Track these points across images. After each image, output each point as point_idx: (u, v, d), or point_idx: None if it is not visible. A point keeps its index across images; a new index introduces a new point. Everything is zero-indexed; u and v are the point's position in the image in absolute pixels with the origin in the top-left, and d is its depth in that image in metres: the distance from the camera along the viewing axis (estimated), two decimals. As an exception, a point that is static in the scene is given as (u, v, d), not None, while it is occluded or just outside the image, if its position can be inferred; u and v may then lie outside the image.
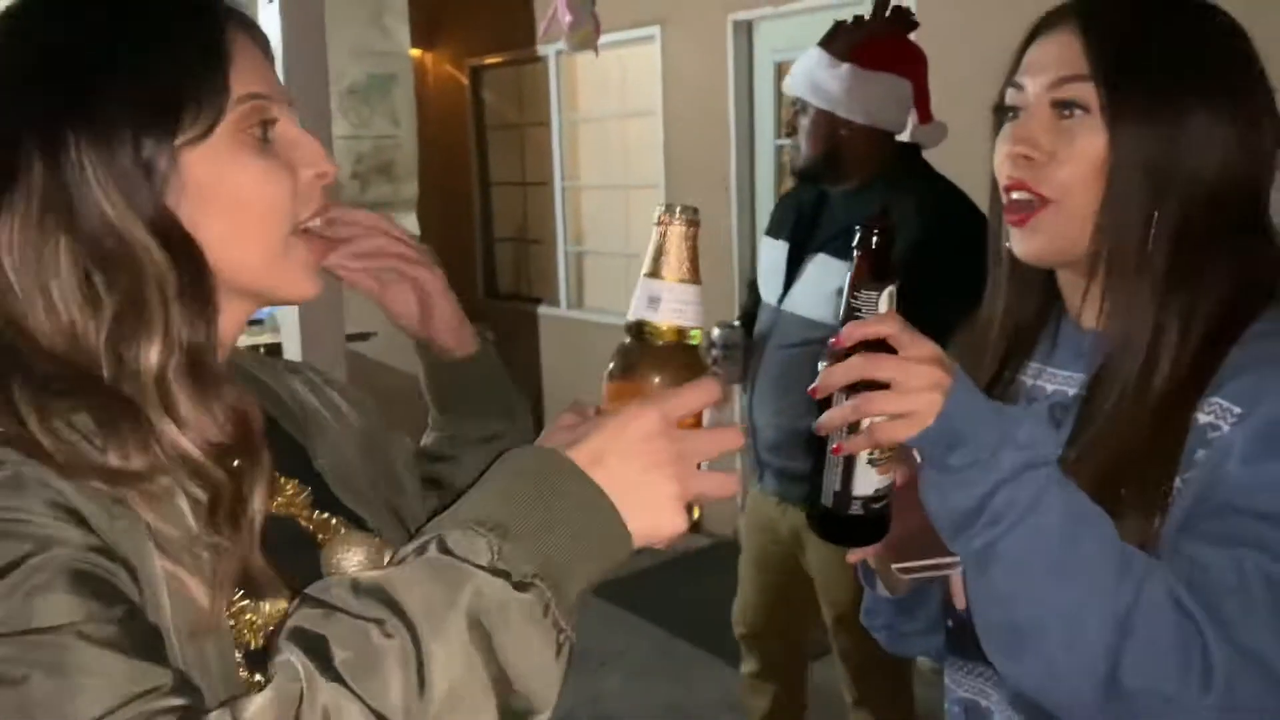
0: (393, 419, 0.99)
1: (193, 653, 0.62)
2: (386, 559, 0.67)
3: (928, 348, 0.75)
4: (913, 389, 0.74)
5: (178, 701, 0.54)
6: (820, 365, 0.77)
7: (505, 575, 0.57)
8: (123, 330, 0.65)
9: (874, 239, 0.77)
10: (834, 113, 2.01)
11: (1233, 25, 0.87)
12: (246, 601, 0.67)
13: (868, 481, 0.79)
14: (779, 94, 4.25)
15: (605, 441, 0.63)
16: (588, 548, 0.60)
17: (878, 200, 1.93)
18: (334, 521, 0.79)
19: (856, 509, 0.79)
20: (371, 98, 4.25)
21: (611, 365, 0.72)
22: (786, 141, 4.14)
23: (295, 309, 2.24)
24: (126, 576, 0.59)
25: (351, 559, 0.75)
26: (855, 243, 0.77)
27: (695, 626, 3.47)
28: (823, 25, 2.10)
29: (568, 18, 2.78)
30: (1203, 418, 0.80)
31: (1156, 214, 0.83)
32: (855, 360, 0.75)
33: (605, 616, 3.81)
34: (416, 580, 0.56)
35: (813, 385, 0.77)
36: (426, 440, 1.05)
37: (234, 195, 0.70)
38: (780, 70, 4.23)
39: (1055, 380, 0.96)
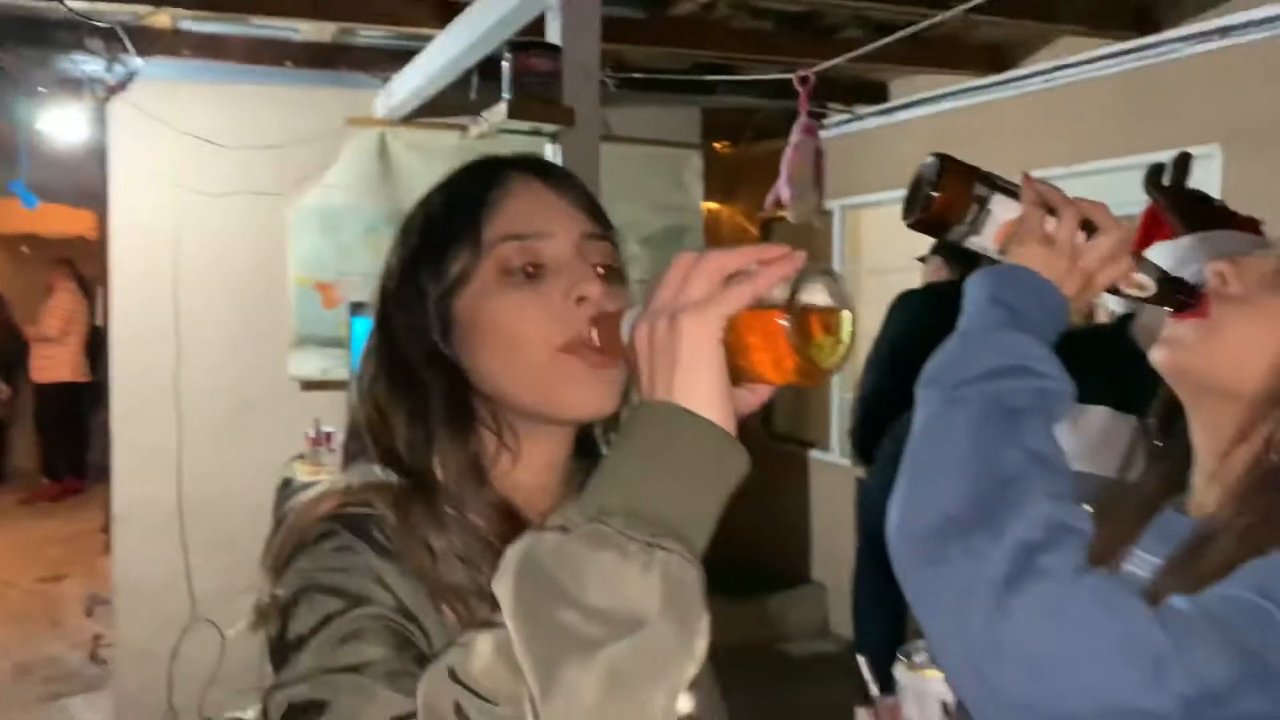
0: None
1: None
2: None
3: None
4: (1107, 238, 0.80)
5: None
6: None
7: (560, 529, 0.59)
8: (413, 439, 0.79)
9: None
10: None
11: None
12: None
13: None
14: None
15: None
16: (657, 466, 0.60)
17: None
18: None
19: None
20: (666, 246, 4.61)
21: None
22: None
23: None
24: (420, 634, 0.71)
25: None
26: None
27: None
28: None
29: (787, 193, 2.96)
30: None
31: None
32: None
33: None
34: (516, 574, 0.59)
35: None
36: None
37: (491, 327, 0.79)
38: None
39: (1134, 562, 0.88)
